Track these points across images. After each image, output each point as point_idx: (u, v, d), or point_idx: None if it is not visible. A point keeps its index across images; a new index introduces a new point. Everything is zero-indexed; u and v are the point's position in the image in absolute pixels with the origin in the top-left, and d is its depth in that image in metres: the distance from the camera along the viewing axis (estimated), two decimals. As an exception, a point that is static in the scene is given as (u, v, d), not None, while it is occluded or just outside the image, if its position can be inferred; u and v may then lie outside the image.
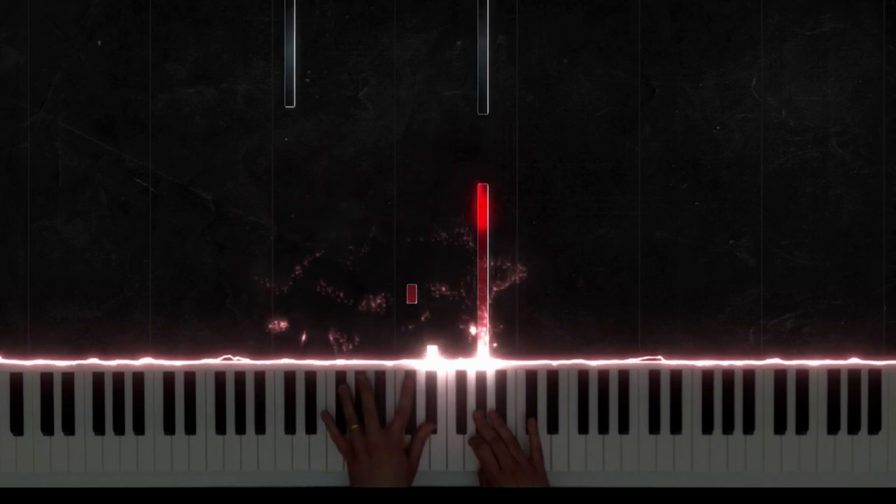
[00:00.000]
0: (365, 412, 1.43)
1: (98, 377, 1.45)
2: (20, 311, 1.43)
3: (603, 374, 1.47)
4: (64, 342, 1.44)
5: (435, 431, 1.47)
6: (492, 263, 1.45)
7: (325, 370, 1.46)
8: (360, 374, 1.45)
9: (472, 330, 1.46)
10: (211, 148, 1.44)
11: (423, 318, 1.45)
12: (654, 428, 1.47)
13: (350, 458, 1.43)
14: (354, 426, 1.43)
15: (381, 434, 1.42)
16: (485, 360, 1.46)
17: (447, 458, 1.47)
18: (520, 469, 1.42)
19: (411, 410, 1.46)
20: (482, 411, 1.46)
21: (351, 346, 1.46)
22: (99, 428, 1.45)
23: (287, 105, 1.42)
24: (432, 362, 1.46)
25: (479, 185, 1.42)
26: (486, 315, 1.45)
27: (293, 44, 1.40)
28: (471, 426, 1.47)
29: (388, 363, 1.46)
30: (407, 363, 1.46)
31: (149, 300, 1.44)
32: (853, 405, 1.46)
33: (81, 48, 1.43)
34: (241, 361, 1.45)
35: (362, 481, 1.41)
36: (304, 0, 1.44)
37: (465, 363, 1.46)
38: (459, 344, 1.46)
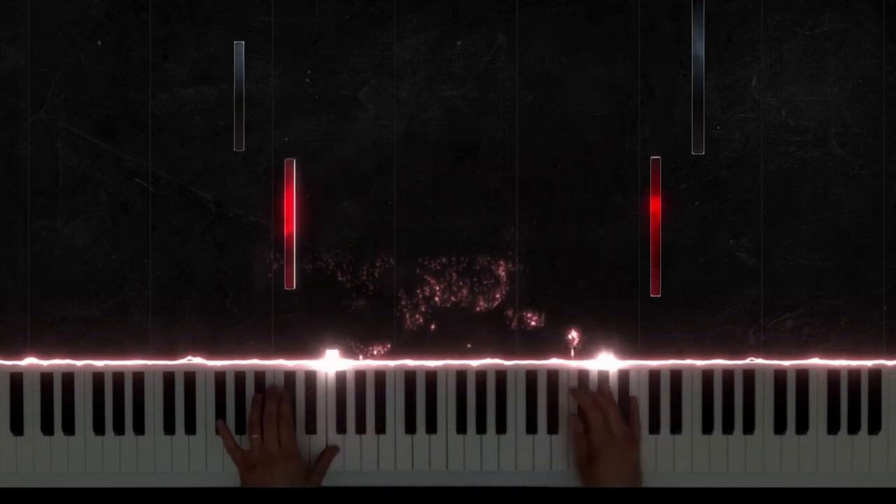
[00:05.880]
0: (281, 419, 1.41)
1: (98, 377, 1.45)
2: (20, 311, 1.43)
3: (603, 375, 1.47)
4: (64, 342, 1.44)
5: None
6: (492, 263, 1.45)
7: (325, 370, 1.46)
8: (273, 387, 1.43)
9: (472, 330, 1.46)
10: (211, 148, 1.44)
11: (422, 319, 1.45)
12: (655, 428, 1.47)
13: (245, 468, 1.40)
14: (255, 435, 1.40)
15: (278, 444, 1.40)
16: (485, 360, 1.46)
17: (447, 458, 1.47)
18: (614, 439, 1.41)
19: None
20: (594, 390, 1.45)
21: (351, 347, 1.46)
22: (99, 428, 1.45)
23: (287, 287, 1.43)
24: (432, 363, 1.46)
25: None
26: (486, 315, 1.45)
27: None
28: (470, 426, 1.47)
29: (389, 363, 1.46)
30: (407, 363, 1.46)
31: (149, 300, 1.44)
32: (853, 405, 1.46)
33: (81, 48, 1.43)
34: (242, 362, 1.45)
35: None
36: (303, 0, 1.44)
37: (465, 363, 1.46)
38: (459, 344, 1.46)
